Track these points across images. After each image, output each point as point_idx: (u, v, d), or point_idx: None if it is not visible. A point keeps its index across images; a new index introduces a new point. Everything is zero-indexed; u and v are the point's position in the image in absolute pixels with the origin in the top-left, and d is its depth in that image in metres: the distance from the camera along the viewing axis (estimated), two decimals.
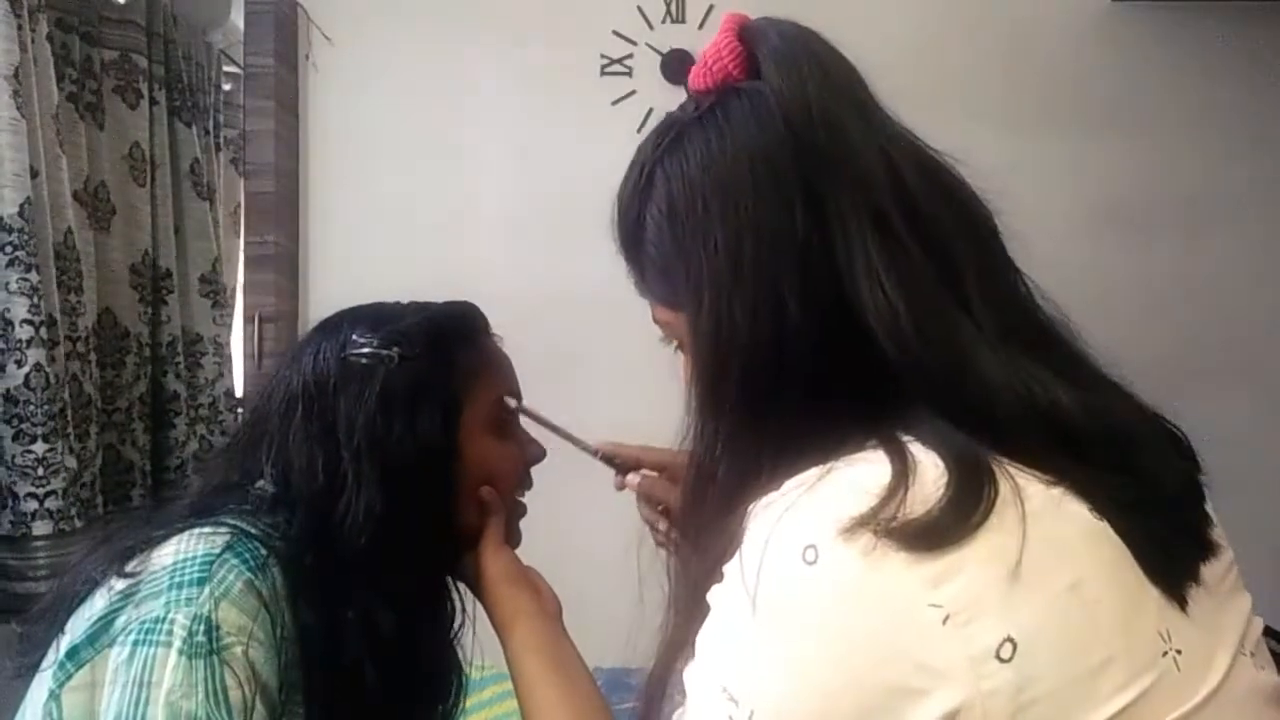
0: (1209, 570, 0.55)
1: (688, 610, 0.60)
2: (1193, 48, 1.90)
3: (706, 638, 0.55)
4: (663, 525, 0.87)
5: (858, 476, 0.52)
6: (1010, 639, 0.47)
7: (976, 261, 0.59)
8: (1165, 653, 0.49)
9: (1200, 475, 0.60)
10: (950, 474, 0.50)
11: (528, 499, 0.93)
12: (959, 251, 0.58)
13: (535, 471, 0.93)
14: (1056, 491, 0.51)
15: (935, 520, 0.49)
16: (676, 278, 0.62)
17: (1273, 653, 0.59)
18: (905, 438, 0.53)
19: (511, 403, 0.88)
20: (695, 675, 0.55)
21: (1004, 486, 0.50)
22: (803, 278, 0.57)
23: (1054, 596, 0.48)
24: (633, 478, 0.89)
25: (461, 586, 0.90)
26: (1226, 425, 1.85)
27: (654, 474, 0.89)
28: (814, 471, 0.53)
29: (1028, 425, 0.53)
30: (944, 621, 0.47)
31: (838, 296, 0.56)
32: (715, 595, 0.55)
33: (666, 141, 0.64)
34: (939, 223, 0.58)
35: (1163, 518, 0.53)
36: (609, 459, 0.91)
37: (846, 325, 0.56)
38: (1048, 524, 0.50)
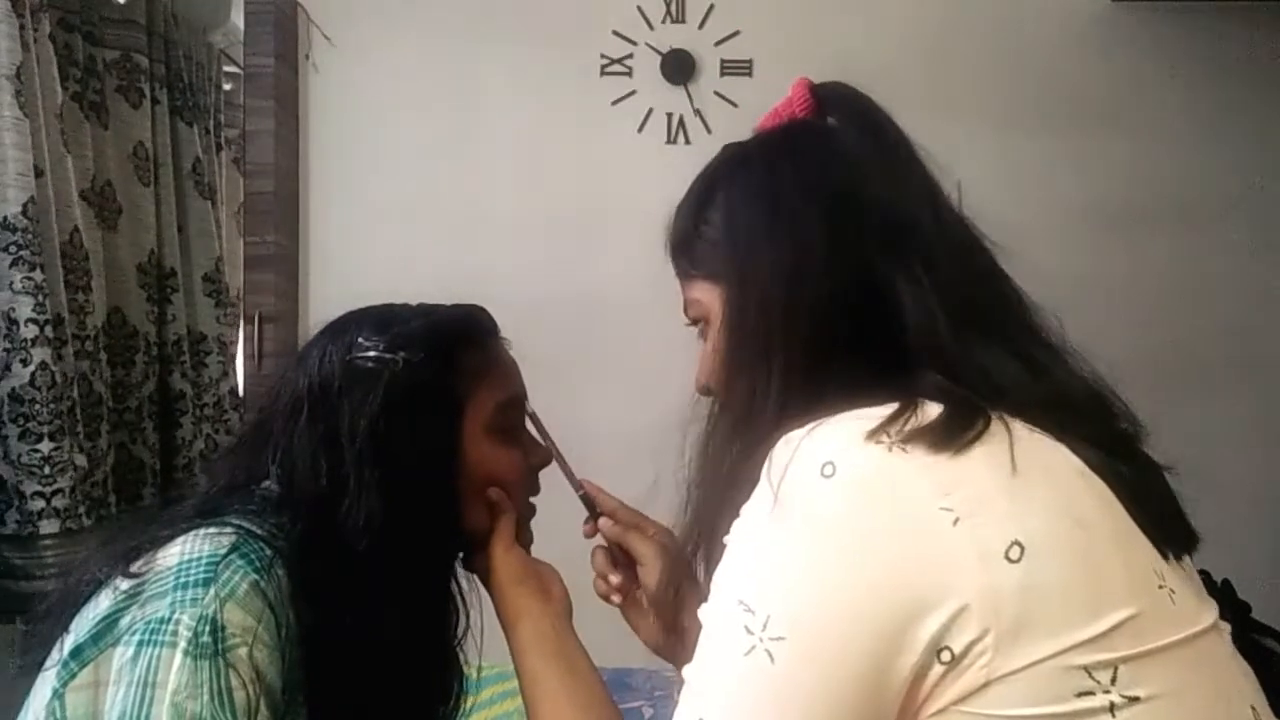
0: (1185, 562, 0.59)
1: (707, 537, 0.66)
2: (1193, 48, 1.90)
3: (722, 569, 0.57)
4: (615, 578, 0.90)
5: (870, 411, 0.57)
6: (1018, 542, 0.50)
7: (987, 269, 0.69)
8: (1160, 586, 0.53)
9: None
10: (948, 404, 0.57)
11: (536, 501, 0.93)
12: (975, 258, 0.68)
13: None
14: (1040, 435, 0.57)
15: (936, 427, 0.54)
16: (724, 247, 0.71)
17: (1273, 653, 0.60)
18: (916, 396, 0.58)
19: (530, 408, 0.89)
20: (710, 606, 0.57)
21: (994, 418, 0.56)
22: (838, 255, 0.66)
23: (1054, 513, 0.52)
24: (605, 524, 0.91)
25: (468, 590, 0.90)
26: (1225, 424, 1.86)
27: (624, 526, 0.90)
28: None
29: (1044, 406, 0.59)
30: (954, 523, 0.50)
31: (874, 293, 0.64)
32: (733, 531, 0.58)
33: (736, 158, 0.75)
34: (961, 237, 0.69)
35: (1147, 488, 0.58)
36: (588, 500, 0.92)
37: (876, 316, 0.63)
38: (1036, 450, 0.55)
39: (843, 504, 0.52)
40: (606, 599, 0.91)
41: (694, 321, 0.76)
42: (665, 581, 0.85)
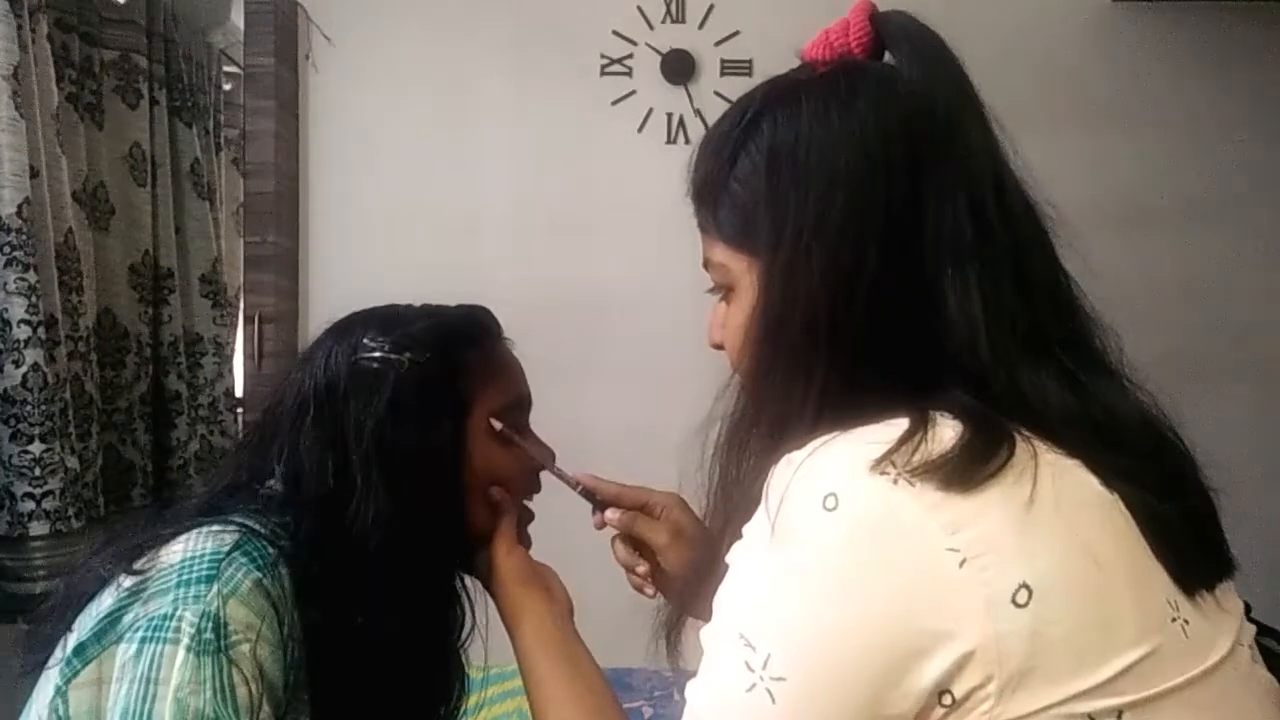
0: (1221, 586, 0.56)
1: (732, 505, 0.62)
2: (1193, 48, 1.90)
3: (724, 593, 0.56)
4: (641, 568, 0.87)
5: (876, 432, 0.53)
6: (1026, 585, 0.47)
7: (1048, 275, 0.62)
8: (1174, 619, 0.51)
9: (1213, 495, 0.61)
10: (967, 427, 0.52)
11: (535, 501, 0.93)
12: (1037, 261, 0.61)
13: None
14: (1071, 462, 0.53)
15: (953, 461, 0.50)
16: (759, 219, 0.62)
17: (1273, 652, 0.59)
18: (931, 410, 0.55)
19: (497, 425, 0.86)
20: (712, 630, 0.56)
21: (1021, 443, 0.52)
22: (884, 253, 0.58)
23: (1068, 550, 0.50)
24: (611, 514, 0.87)
25: (470, 590, 0.90)
26: (1227, 424, 1.85)
27: (633, 511, 0.88)
28: (835, 432, 0.55)
29: (1083, 431, 0.55)
30: (961, 565, 0.48)
31: (916, 281, 0.58)
32: (734, 553, 0.56)
33: (779, 93, 0.65)
34: (1024, 235, 0.61)
35: (1180, 521, 0.54)
36: (589, 494, 0.89)
37: (915, 308, 0.58)
38: (1062, 479, 0.52)
39: (845, 542, 0.50)
40: (641, 591, 0.88)
41: (715, 287, 0.69)
42: (688, 563, 0.82)
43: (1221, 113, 1.91)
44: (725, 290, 0.68)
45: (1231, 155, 1.90)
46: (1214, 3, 1.87)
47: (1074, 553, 0.50)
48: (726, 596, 0.55)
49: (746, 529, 0.56)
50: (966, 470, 0.50)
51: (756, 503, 0.56)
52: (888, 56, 0.66)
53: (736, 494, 0.63)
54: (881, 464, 0.50)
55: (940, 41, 0.65)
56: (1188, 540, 0.54)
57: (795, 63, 0.68)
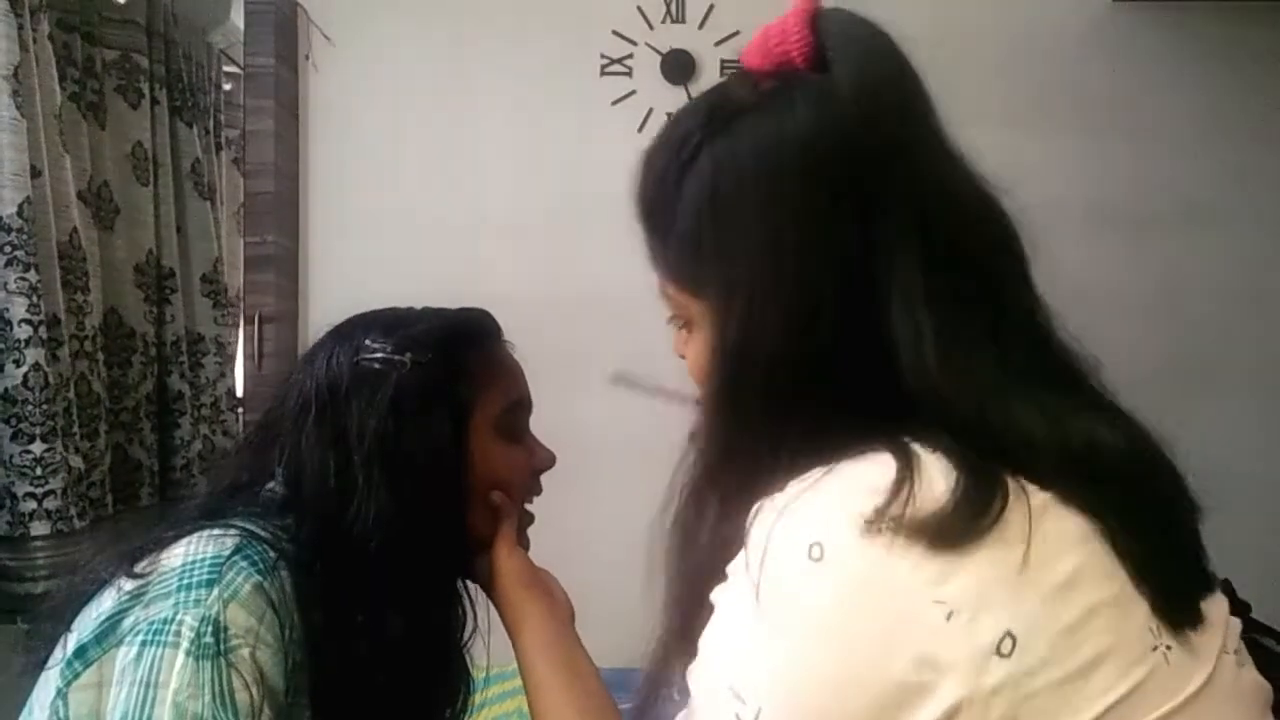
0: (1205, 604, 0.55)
1: (684, 611, 0.60)
2: (1193, 48, 1.90)
3: (711, 638, 0.55)
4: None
5: (862, 473, 0.52)
6: (1010, 634, 0.47)
7: (1012, 296, 0.58)
8: (1155, 647, 0.50)
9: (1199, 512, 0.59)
10: (959, 473, 0.50)
11: (534, 502, 0.93)
12: (998, 285, 0.58)
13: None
14: (1048, 496, 0.52)
15: (948, 518, 0.49)
16: (707, 264, 0.60)
17: (1272, 652, 0.59)
18: (911, 443, 0.53)
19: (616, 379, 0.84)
20: (700, 676, 0.56)
21: (1012, 485, 0.51)
22: (841, 291, 0.56)
23: (1049, 593, 0.49)
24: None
25: (474, 591, 0.90)
26: (1227, 425, 1.86)
27: None
28: (817, 470, 0.53)
29: (1061, 464, 0.53)
30: (948, 618, 0.47)
31: (872, 316, 0.56)
32: (720, 595, 0.56)
33: (720, 120, 0.60)
34: (981, 255, 0.58)
35: (1164, 552, 0.53)
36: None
37: (875, 345, 0.55)
38: (1050, 521, 0.51)
39: (831, 597, 0.49)
40: None
41: (673, 317, 0.67)
42: None
43: (1222, 113, 1.90)
44: (683, 322, 0.66)
45: (1232, 155, 1.90)
46: (1214, 3, 1.87)
47: (1055, 595, 0.49)
48: (714, 644, 0.55)
49: (730, 569, 0.55)
50: (959, 529, 0.49)
51: (728, 546, 0.55)
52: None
53: (706, 538, 0.60)
54: (873, 525, 0.49)
55: (884, 44, 0.60)
56: (1169, 573, 0.53)
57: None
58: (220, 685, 0.66)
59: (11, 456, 1.57)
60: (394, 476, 0.78)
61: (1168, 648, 0.51)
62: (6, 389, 1.56)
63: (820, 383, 0.56)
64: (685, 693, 0.57)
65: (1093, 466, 0.53)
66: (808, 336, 0.56)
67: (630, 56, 1.98)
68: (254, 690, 0.68)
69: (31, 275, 1.57)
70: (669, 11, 1.98)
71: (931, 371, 0.54)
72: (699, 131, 0.61)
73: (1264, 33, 1.88)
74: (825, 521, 0.51)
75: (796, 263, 0.56)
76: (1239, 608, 1.03)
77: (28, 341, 1.57)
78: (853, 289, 0.56)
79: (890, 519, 0.49)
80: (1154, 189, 1.90)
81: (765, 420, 0.58)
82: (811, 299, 0.56)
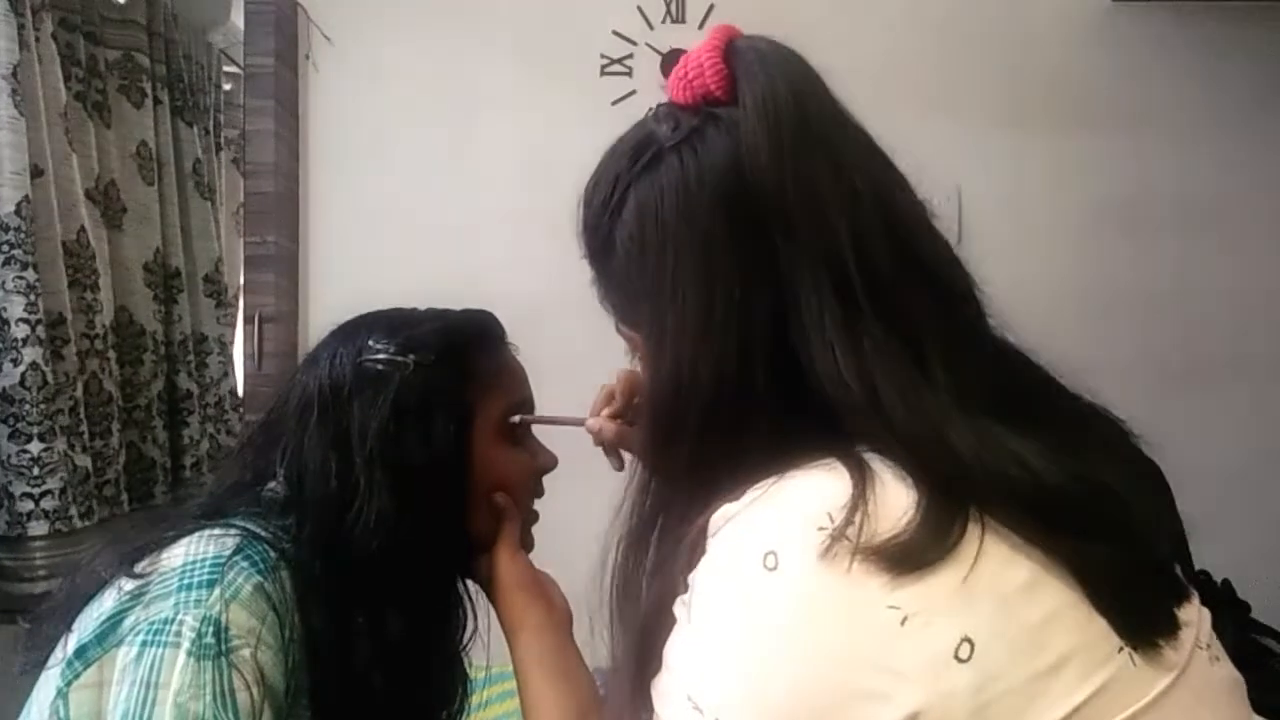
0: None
1: (638, 658, 0.59)
2: (1193, 48, 1.90)
3: (673, 647, 0.56)
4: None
5: (815, 482, 0.52)
6: (968, 639, 0.47)
7: (944, 329, 0.57)
8: (1120, 649, 0.50)
9: (1178, 516, 0.59)
10: (918, 493, 0.50)
11: (535, 504, 0.93)
12: (924, 320, 0.56)
13: None
14: (1005, 530, 0.50)
15: (903, 546, 0.48)
16: (639, 301, 0.62)
17: (1272, 653, 0.59)
18: (865, 453, 0.53)
19: (515, 419, 0.87)
20: (662, 685, 0.56)
21: (972, 525, 0.50)
22: (761, 324, 0.56)
23: (1008, 596, 0.49)
24: (592, 422, 0.88)
25: (474, 593, 0.90)
26: (1227, 423, 1.86)
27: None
28: (769, 480, 0.53)
29: (1000, 497, 0.51)
30: (902, 623, 0.47)
31: (793, 347, 0.56)
32: (679, 606, 0.56)
33: (644, 161, 0.61)
34: (904, 291, 0.56)
35: (1137, 582, 0.52)
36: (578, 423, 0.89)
37: (800, 375, 0.56)
38: (998, 543, 0.50)
39: (785, 608, 0.49)
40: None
41: (628, 347, 0.69)
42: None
43: (1221, 113, 1.90)
44: (637, 354, 0.68)
45: (1232, 155, 1.90)
46: (1214, 3, 1.87)
47: (1014, 598, 0.48)
48: (674, 655, 0.55)
49: (691, 579, 0.55)
50: (916, 557, 0.48)
51: (682, 558, 0.55)
52: None
53: (663, 548, 0.60)
54: (831, 548, 0.49)
55: (789, 68, 0.60)
56: (1136, 593, 0.52)
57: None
58: (221, 685, 0.66)
59: (9, 456, 1.57)
60: (396, 478, 0.78)
61: (1134, 648, 0.50)
62: (4, 388, 1.56)
63: (753, 414, 0.57)
64: (650, 708, 0.57)
65: (1050, 492, 0.51)
66: (738, 369, 0.57)
67: (630, 56, 1.98)
68: (255, 690, 0.68)
69: (30, 274, 1.57)
70: (669, 11, 1.98)
71: (858, 399, 0.54)
72: (626, 174, 0.62)
73: (1264, 33, 1.88)
74: (778, 530, 0.51)
75: (719, 299, 0.57)
76: (1239, 608, 1.03)
77: (25, 341, 1.57)
78: (772, 321, 0.56)
79: (850, 533, 0.49)
80: (1154, 189, 1.90)
81: (700, 449, 0.58)
82: (734, 335, 0.57)
